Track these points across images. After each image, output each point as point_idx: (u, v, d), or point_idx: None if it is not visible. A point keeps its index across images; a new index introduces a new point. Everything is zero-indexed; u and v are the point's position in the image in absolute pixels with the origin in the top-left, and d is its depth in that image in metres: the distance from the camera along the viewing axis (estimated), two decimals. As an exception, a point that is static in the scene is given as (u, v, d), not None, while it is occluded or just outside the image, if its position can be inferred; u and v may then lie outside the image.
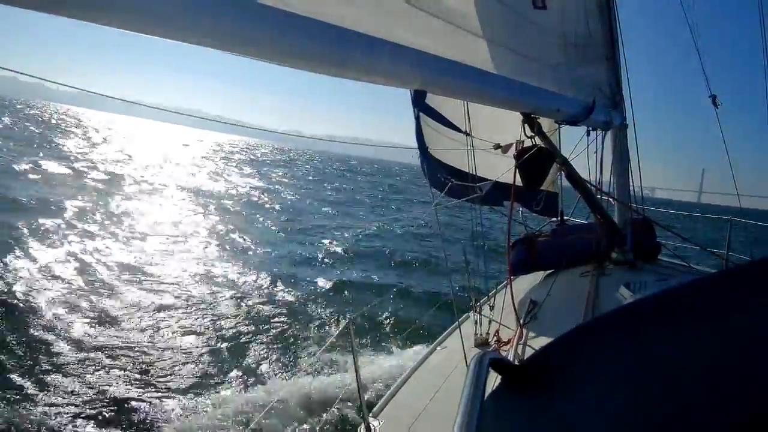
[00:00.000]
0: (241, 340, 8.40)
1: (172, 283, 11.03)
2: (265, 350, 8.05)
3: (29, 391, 6.13)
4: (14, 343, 7.22)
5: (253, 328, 9.01)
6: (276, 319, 9.51)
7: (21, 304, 8.38)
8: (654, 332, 1.10)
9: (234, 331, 8.80)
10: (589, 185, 4.56)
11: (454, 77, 2.23)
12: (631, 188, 5.02)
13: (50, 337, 7.56)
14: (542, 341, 3.15)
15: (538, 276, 4.97)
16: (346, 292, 11.59)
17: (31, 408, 5.79)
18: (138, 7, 1.07)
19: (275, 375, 7.19)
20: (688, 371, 0.97)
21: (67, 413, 5.82)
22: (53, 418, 5.67)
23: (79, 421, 5.69)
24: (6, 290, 8.79)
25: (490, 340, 3.73)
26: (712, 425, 0.85)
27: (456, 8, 2.65)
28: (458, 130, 3.66)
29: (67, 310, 8.56)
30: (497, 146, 3.97)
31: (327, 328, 9.10)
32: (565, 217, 6.06)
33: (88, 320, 8.34)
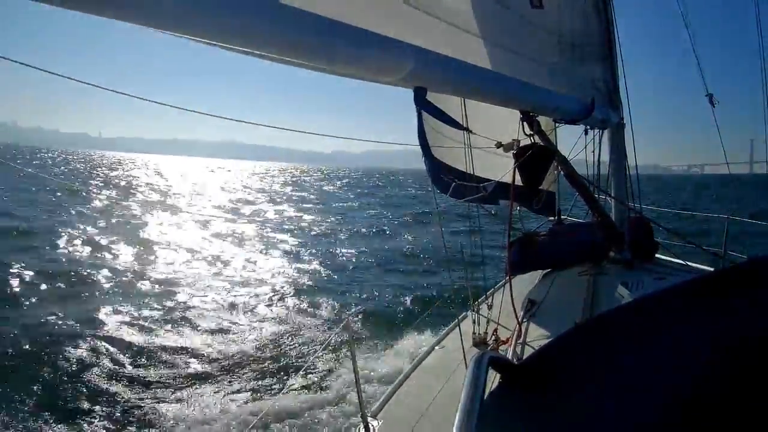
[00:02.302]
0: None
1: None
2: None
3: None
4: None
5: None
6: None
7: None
8: (653, 331, 1.10)
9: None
10: (587, 183, 4.57)
11: (454, 74, 2.23)
12: (629, 186, 5.03)
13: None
14: (541, 340, 3.15)
15: (536, 275, 4.97)
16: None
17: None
18: None
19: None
20: (687, 370, 0.97)
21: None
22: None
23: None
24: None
25: (488, 340, 3.72)
26: (711, 422, 0.85)
27: (454, 8, 2.65)
28: (459, 126, 3.66)
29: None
30: (499, 144, 3.96)
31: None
32: (563, 216, 6.07)
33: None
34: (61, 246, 14.29)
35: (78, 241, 14.98)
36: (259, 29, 1.28)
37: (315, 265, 14.21)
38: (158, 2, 1.09)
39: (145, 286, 11.11)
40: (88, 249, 14.18)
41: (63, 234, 15.70)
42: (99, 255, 13.64)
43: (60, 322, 8.40)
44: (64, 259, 12.83)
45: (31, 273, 10.88)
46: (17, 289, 9.88)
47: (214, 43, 1.25)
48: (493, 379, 1.23)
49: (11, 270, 10.89)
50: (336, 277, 13.00)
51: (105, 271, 11.84)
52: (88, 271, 11.70)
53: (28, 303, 9.19)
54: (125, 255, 14.02)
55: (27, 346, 7.37)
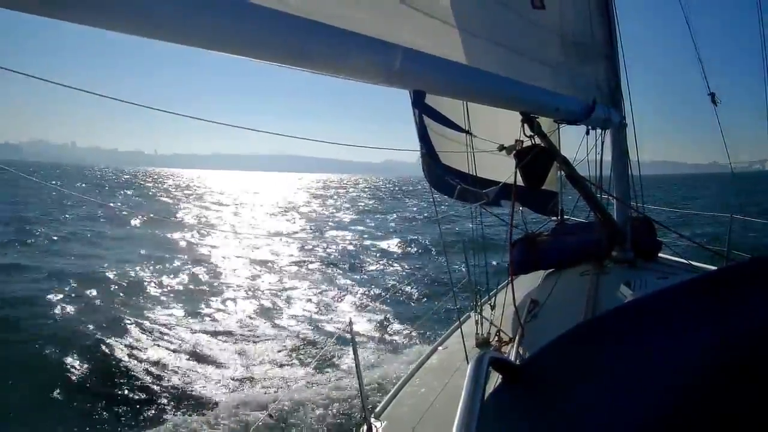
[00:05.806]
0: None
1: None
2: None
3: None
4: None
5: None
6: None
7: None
8: (652, 331, 1.10)
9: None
10: (588, 184, 4.55)
11: (452, 76, 2.22)
12: (631, 186, 5.01)
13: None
14: (543, 341, 3.13)
15: (538, 275, 4.95)
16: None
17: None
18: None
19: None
20: (687, 369, 0.97)
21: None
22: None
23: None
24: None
25: (491, 340, 3.72)
26: (711, 423, 0.85)
27: (453, 8, 2.63)
28: (459, 129, 3.64)
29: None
30: (501, 147, 3.95)
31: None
32: (566, 216, 6.05)
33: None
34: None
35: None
36: (243, 33, 1.28)
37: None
38: (147, 8, 1.08)
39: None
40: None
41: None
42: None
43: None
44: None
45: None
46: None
47: (203, 47, 1.25)
48: (496, 379, 1.23)
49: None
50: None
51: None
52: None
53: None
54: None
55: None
